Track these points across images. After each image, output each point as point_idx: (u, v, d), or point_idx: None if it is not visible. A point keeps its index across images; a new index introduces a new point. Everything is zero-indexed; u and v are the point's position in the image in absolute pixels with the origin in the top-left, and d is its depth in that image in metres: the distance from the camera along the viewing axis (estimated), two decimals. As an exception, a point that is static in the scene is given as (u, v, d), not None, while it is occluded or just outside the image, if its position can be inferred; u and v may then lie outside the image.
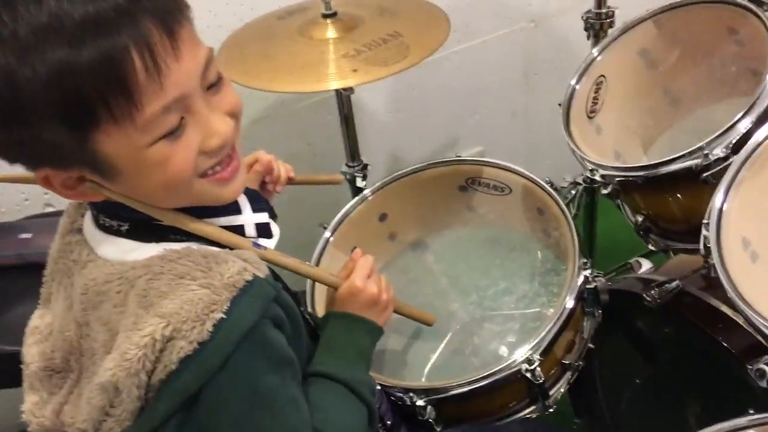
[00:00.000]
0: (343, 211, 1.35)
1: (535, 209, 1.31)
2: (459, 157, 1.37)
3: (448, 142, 2.08)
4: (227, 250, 0.75)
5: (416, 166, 1.37)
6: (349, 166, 1.51)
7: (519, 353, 1.11)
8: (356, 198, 1.38)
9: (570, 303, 1.13)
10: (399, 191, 1.38)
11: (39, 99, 0.61)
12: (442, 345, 1.29)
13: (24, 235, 1.39)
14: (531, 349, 1.10)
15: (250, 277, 0.71)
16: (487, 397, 1.12)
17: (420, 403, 1.09)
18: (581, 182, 1.69)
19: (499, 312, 1.29)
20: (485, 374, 1.08)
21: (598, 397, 1.48)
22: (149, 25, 0.62)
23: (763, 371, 0.97)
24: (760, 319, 0.87)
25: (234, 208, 0.79)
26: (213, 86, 0.71)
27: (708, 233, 0.97)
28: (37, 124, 0.63)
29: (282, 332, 0.76)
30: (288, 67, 1.26)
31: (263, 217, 0.80)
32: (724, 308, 1.15)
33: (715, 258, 0.94)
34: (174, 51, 0.65)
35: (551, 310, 1.23)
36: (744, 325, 1.10)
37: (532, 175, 1.29)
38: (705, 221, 0.98)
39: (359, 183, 1.49)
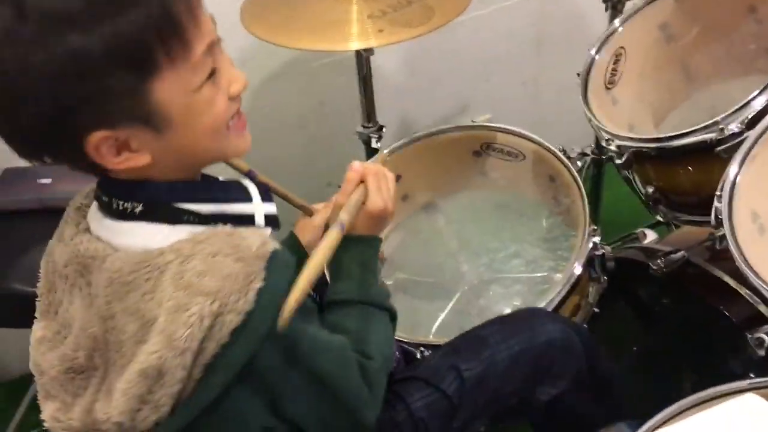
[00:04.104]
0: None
1: (546, 176, 1.34)
2: (474, 122, 1.39)
3: (458, 108, 2.10)
4: (242, 228, 0.77)
5: (432, 130, 1.40)
6: (365, 127, 1.52)
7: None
8: (372, 159, 1.40)
9: (578, 268, 1.17)
10: (414, 154, 1.40)
11: (108, 49, 0.65)
12: (450, 305, 1.33)
13: (43, 180, 1.41)
14: (540, 310, 1.14)
15: (272, 248, 0.74)
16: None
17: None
18: (589, 153, 1.73)
19: (507, 275, 1.32)
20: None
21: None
22: None
23: (762, 340, 1.02)
24: (764, 286, 0.90)
25: (245, 196, 0.81)
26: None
27: (720, 205, 1.00)
28: (105, 75, 0.66)
29: None
30: (312, 25, 1.27)
31: (272, 208, 0.82)
32: (727, 279, 1.18)
33: (726, 229, 0.98)
34: (197, 2, 0.72)
35: (558, 275, 1.27)
36: (746, 296, 1.15)
37: (545, 143, 1.32)
38: (718, 193, 1.01)
39: (374, 144, 1.51)
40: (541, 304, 1.14)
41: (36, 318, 0.84)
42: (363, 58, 1.43)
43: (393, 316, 0.95)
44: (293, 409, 0.80)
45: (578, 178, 1.24)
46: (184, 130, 0.73)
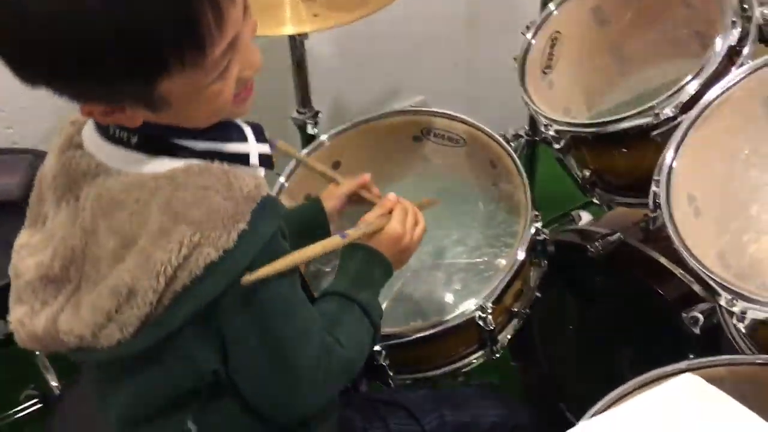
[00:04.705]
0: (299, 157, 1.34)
1: (487, 161, 1.34)
2: (414, 107, 1.37)
3: (391, 91, 2.08)
4: (238, 167, 0.78)
5: (372, 115, 1.37)
6: (300, 113, 1.49)
7: (472, 302, 1.15)
8: (312, 144, 1.37)
9: (521, 254, 1.17)
10: (353, 139, 1.38)
11: (119, 54, 0.64)
12: (393, 292, 1.32)
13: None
14: (484, 297, 1.14)
15: (265, 193, 0.76)
16: (440, 342, 1.16)
17: (376, 348, 1.12)
18: (523, 135, 1.74)
19: (450, 261, 1.32)
20: (442, 320, 1.12)
21: (534, 342, 1.55)
22: None
23: (697, 318, 1.05)
24: (705, 270, 0.93)
25: (241, 136, 0.81)
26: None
27: (658, 189, 1.02)
28: (111, 72, 0.65)
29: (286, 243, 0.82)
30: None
31: (266, 148, 0.83)
32: (662, 259, 1.22)
33: (664, 213, 0.99)
34: None
35: (500, 260, 1.27)
36: (680, 276, 1.18)
37: (486, 128, 1.32)
38: (656, 178, 1.03)
39: (310, 130, 1.48)
40: (486, 291, 1.15)
41: (23, 227, 0.87)
42: (297, 42, 1.39)
43: (375, 332, 0.96)
44: (236, 364, 0.81)
45: (519, 164, 1.24)
46: (182, 113, 0.74)
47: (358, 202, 1.16)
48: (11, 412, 1.63)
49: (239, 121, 0.82)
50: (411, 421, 1.06)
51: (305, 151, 1.37)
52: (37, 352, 1.61)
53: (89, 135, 0.80)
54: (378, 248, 0.98)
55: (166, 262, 0.71)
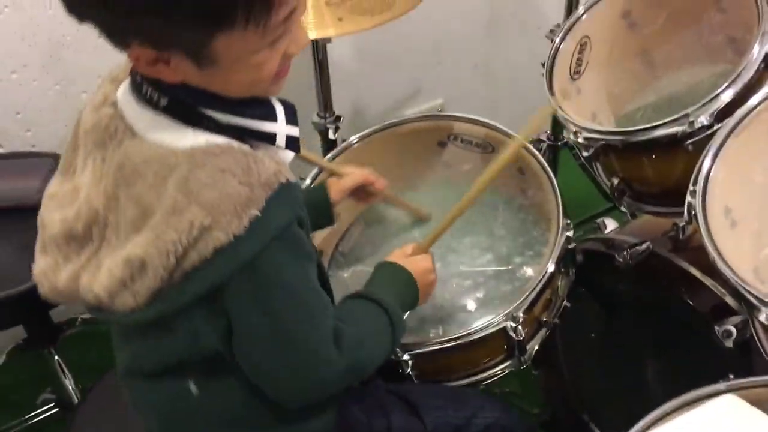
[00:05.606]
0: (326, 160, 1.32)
1: (515, 168, 1.31)
2: (440, 113, 1.35)
3: (410, 94, 2.06)
4: (261, 146, 0.79)
5: (400, 119, 1.36)
6: (321, 117, 1.47)
7: (496, 311, 1.13)
8: (341, 146, 1.35)
9: (553, 263, 1.15)
10: (379, 143, 1.36)
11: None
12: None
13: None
14: (516, 307, 1.12)
15: (284, 180, 0.76)
16: (470, 351, 1.14)
17: (405, 357, 1.10)
18: (545, 140, 1.72)
19: (474, 269, 1.30)
20: (473, 329, 1.10)
21: (557, 352, 1.52)
22: None
23: (730, 332, 1.02)
24: (744, 285, 0.90)
25: (271, 114, 0.80)
26: None
27: (694, 200, 0.99)
28: (179, 17, 0.67)
29: (303, 232, 0.82)
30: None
31: (295, 131, 0.82)
32: (693, 270, 1.19)
33: (701, 224, 0.97)
34: None
35: (526, 269, 1.25)
36: (712, 287, 1.16)
37: (515, 135, 1.29)
38: (692, 188, 1.00)
39: (331, 135, 1.46)
40: (517, 301, 1.13)
41: (56, 174, 0.89)
42: (319, 45, 1.37)
43: (393, 348, 0.98)
44: (239, 341, 0.81)
45: (549, 171, 1.22)
46: (224, 75, 0.75)
47: (358, 197, 1.22)
48: (28, 416, 1.62)
49: (273, 99, 0.82)
50: (414, 418, 1.04)
51: (331, 154, 1.35)
52: (56, 357, 1.61)
53: (124, 93, 0.81)
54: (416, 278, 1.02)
55: (177, 242, 0.72)
